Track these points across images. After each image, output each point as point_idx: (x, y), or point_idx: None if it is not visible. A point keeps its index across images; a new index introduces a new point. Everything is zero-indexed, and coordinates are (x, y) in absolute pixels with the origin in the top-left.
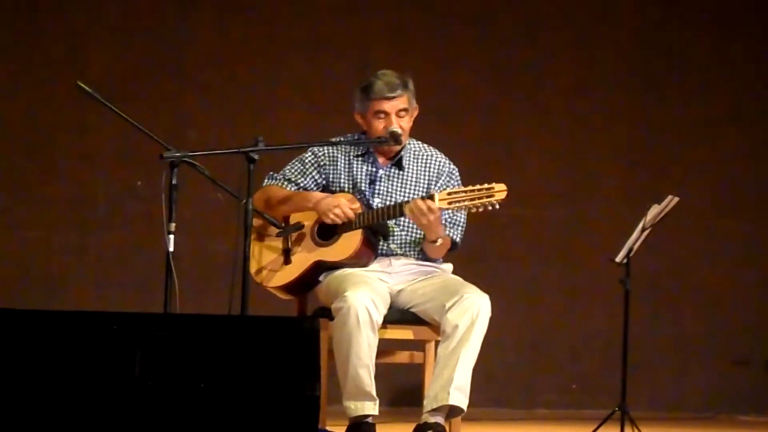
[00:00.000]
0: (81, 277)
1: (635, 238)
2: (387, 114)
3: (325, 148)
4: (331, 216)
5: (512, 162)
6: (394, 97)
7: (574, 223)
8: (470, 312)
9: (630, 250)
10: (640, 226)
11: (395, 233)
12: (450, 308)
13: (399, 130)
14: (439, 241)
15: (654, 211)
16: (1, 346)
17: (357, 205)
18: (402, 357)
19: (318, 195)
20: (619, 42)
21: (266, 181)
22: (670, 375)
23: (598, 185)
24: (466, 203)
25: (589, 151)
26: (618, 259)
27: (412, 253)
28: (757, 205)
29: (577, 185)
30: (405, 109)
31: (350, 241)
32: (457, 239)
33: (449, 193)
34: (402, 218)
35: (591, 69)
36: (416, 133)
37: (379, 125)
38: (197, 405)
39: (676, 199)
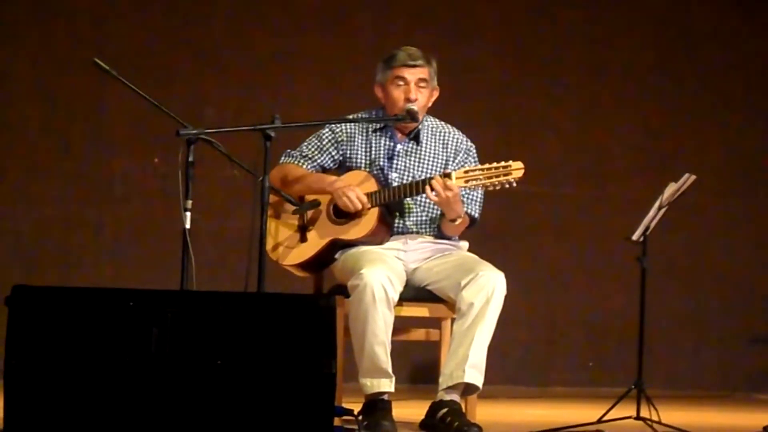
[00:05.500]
0: (97, 254)
1: (652, 216)
2: (406, 82)
3: (343, 124)
4: (343, 201)
5: (529, 139)
6: (415, 66)
7: (590, 201)
8: (485, 290)
9: (647, 228)
10: (657, 204)
11: (412, 211)
12: (465, 286)
13: (416, 108)
14: (458, 219)
15: (671, 189)
16: (17, 322)
17: (372, 181)
18: (418, 335)
19: (331, 177)
20: (636, 21)
21: (283, 158)
22: (687, 353)
23: (615, 163)
24: (483, 181)
25: (607, 129)
26: (634, 238)
27: (427, 230)
28: None
29: (594, 163)
30: (425, 80)
31: (367, 220)
32: (476, 215)
33: (466, 172)
34: (420, 196)
35: (608, 47)
36: (432, 109)
37: (398, 94)
38: (213, 382)
39: (693, 177)
